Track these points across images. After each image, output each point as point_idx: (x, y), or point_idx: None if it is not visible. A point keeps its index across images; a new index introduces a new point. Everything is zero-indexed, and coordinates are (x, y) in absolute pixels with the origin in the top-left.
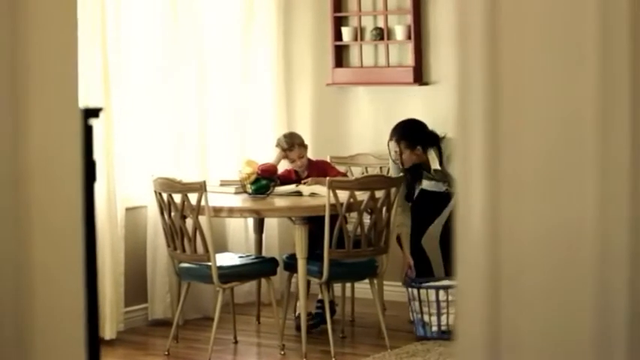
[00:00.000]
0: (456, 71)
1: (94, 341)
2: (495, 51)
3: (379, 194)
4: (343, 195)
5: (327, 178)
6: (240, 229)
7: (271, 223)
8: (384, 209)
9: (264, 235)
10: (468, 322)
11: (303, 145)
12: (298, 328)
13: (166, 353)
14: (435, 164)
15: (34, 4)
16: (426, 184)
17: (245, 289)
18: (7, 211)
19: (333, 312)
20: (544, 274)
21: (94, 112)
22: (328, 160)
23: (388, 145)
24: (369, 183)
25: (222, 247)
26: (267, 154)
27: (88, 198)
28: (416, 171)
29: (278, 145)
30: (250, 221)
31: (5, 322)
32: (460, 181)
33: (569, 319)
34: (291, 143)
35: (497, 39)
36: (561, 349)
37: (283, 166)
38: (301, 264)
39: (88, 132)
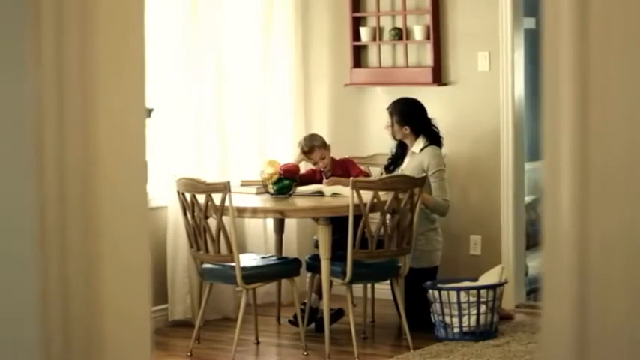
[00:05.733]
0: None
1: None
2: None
3: (402, 195)
4: (366, 195)
5: (351, 178)
6: (259, 229)
7: (290, 224)
8: (408, 209)
9: (283, 236)
10: (554, 326)
11: (324, 147)
12: (318, 328)
13: (189, 354)
14: (415, 148)
15: (104, 4)
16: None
17: (263, 290)
18: (76, 213)
19: (340, 315)
20: (635, 282)
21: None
22: None
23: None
24: (392, 183)
25: (241, 248)
26: (286, 154)
27: None
28: (403, 150)
29: (299, 146)
30: (269, 222)
31: (75, 330)
32: (547, 184)
33: None
34: (311, 146)
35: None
36: None
37: (309, 166)
38: (325, 264)
39: None
